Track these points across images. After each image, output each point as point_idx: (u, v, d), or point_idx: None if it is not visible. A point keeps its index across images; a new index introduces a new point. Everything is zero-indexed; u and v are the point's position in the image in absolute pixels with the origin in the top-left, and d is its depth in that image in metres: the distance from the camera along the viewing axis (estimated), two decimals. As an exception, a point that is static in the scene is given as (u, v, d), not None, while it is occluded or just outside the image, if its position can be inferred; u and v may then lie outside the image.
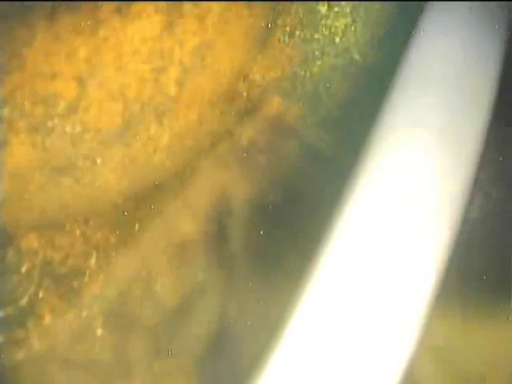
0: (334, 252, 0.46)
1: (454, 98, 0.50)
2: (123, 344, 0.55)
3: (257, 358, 0.45)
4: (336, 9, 0.56)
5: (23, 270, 0.53)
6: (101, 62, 0.47)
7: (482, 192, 0.54)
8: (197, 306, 0.56)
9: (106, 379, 0.55)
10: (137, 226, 0.56)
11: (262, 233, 0.58)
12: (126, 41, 0.47)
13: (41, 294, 0.53)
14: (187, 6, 0.48)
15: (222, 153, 0.57)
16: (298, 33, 0.56)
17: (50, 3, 0.45)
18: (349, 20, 0.57)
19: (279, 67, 0.56)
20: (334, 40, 0.57)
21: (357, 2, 0.57)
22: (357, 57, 0.58)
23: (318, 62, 0.57)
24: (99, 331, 0.54)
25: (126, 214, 0.55)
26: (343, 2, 0.56)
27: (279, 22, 0.55)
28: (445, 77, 0.51)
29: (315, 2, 0.56)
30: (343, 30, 0.57)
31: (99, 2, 0.46)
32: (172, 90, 0.50)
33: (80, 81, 0.47)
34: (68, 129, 0.48)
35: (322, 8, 0.56)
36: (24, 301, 0.53)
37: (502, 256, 0.54)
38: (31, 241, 0.54)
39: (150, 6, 0.47)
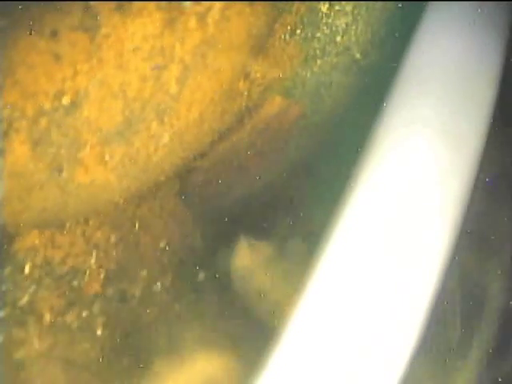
0: (335, 252, 0.46)
1: (454, 97, 0.51)
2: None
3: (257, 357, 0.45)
4: (337, 7, 0.56)
5: (23, 269, 0.53)
6: (101, 59, 0.47)
7: (484, 191, 0.54)
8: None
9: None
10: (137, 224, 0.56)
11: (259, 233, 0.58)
12: (126, 38, 0.47)
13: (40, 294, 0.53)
14: (188, 3, 0.48)
15: (223, 151, 0.57)
16: (298, 31, 0.56)
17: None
18: (350, 19, 0.57)
19: (280, 66, 0.56)
20: (334, 39, 0.57)
21: (358, 2, 0.57)
22: (358, 56, 0.58)
23: (319, 61, 0.57)
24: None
25: (126, 212, 0.55)
26: (344, 1, 0.56)
27: (280, 20, 0.55)
28: (445, 76, 0.51)
29: (316, 1, 0.56)
30: (344, 29, 0.57)
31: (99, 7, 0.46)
32: (173, 88, 0.50)
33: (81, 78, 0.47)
34: (68, 127, 0.48)
35: (323, 7, 0.56)
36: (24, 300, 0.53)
37: (502, 255, 0.54)
38: (31, 240, 0.53)
39: (151, 3, 0.47)
